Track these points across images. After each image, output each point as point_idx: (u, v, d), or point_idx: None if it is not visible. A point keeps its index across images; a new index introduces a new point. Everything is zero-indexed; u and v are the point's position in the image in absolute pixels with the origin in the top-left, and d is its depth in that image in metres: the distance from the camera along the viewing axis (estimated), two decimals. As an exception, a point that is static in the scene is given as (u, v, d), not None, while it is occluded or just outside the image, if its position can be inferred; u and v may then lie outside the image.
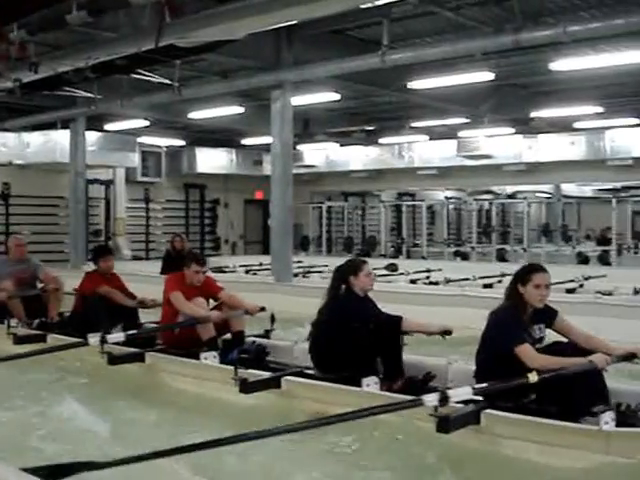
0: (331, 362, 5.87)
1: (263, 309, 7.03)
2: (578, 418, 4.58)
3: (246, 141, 21.75)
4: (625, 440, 4.33)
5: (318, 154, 22.67)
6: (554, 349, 4.98)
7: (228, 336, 7.08)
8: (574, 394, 4.68)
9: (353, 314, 5.87)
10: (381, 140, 21.53)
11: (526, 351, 4.82)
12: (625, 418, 4.60)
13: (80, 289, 8.38)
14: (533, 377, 4.50)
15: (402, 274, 14.23)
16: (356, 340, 5.71)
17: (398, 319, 5.85)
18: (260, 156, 22.78)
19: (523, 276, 5.13)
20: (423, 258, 19.90)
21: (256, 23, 8.90)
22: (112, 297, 8.14)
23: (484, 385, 4.56)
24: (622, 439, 4.33)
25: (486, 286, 12.39)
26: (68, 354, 7.12)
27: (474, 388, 4.49)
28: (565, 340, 5.16)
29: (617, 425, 4.41)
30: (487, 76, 12.93)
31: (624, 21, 9.63)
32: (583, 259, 19.06)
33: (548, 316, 5.18)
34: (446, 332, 5.80)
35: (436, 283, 13.00)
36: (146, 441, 5.06)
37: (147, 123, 17.86)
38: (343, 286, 6.04)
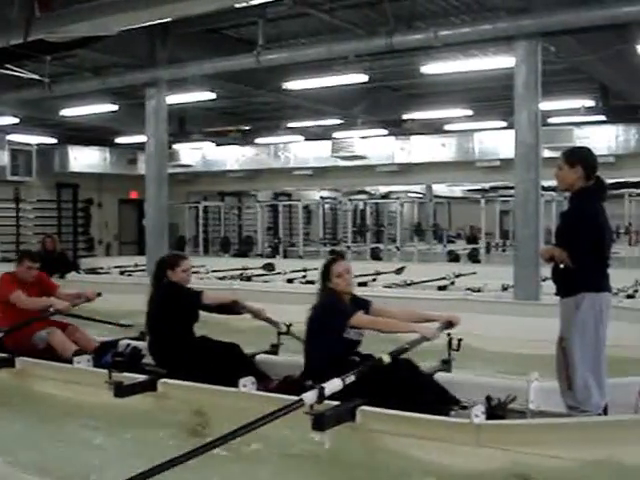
0: (162, 355, 6.05)
1: (100, 294, 7.20)
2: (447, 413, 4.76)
3: (120, 140, 21.27)
4: (495, 432, 4.48)
5: (194, 153, 22.43)
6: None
7: (104, 339, 6.98)
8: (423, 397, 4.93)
9: (172, 302, 6.05)
10: (257, 140, 21.51)
11: (361, 317, 5.19)
12: (495, 411, 4.75)
13: None
14: (386, 358, 4.75)
15: (279, 273, 14.28)
16: (177, 331, 5.98)
17: (198, 293, 6.06)
18: (135, 155, 22.34)
19: (325, 272, 5.44)
20: (300, 257, 20.02)
21: (129, 19, 8.73)
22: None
23: (350, 374, 4.63)
24: (492, 431, 4.48)
25: (361, 284, 12.56)
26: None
27: (342, 379, 4.57)
28: None
29: (488, 418, 4.56)
30: (361, 78, 13.12)
31: (492, 27, 9.99)
32: (454, 257, 19.63)
33: (363, 306, 5.47)
34: (234, 302, 6.16)
35: (312, 282, 13.05)
36: (18, 450, 4.91)
37: (16, 120, 17.24)
38: (166, 279, 6.19)
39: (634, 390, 4.20)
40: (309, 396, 4.41)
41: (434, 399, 5.00)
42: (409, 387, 4.94)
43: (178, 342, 5.99)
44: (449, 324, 5.24)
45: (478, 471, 4.35)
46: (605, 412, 4.69)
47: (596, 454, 4.14)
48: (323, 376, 4.69)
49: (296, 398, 4.50)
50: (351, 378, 4.59)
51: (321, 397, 4.43)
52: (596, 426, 4.38)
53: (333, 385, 4.53)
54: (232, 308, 6.28)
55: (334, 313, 5.28)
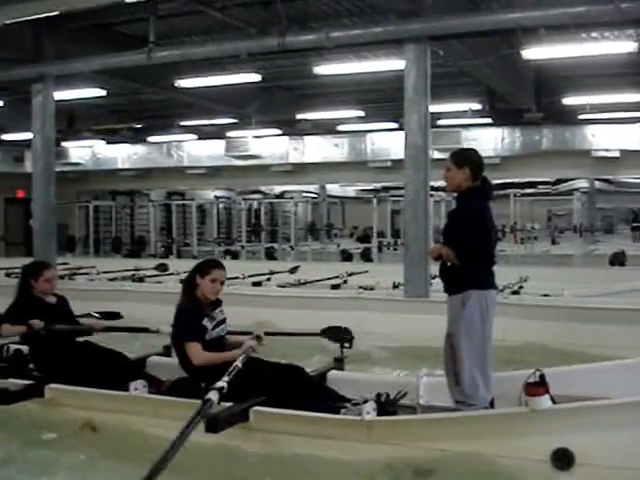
0: (40, 361, 5.90)
1: None
2: (339, 410, 4.82)
3: (6, 136, 20.59)
4: (385, 428, 4.57)
5: (84, 151, 21.92)
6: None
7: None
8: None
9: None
10: (150, 138, 21.22)
11: (192, 348, 5.16)
12: (386, 407, 4.83)
13: None
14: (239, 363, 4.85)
15: (172, 274, 14.06)
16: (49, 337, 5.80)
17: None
18: (21, 152, 21.64)
19: (203, 269, 5.41)
20: (194, 257, 19.74)
21: (14, 12, 8.48)
22: None
23: (225, 376, 4.68)
24: (383, 427, 4.56)
25: (255, 284, 12.56)
26: None
27: (224, 380, 4.63)
28: None
29: (379, 414, 4.63)
30: (254, 77, 13.12)
31: (382, 29, 10.15)
32: (347, 256, 19.82)
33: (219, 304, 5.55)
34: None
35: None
36: None
37: None
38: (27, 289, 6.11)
39: (519, 384, 4.33)
40: (213, 396, 4.40)
41: (326, 398, 5.08)
42: (300, 390, 5.01)
43: (53, 348, 5.80)
44: (258, 338, 5.36)
45: (370, 467, 4.41)
46: (491, 406, 4.83)
47: (483, 447, 4.26)
48: (202, 378, 4.82)
49: (194, 401, 4.52)
50: (225, 379, 4.64)
51: (221, 397, 4.45)
52: (483, 420, 4.51)
53: (222, 385, 4.56)
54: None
55: (181, 326, 5.29)
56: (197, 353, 5.15)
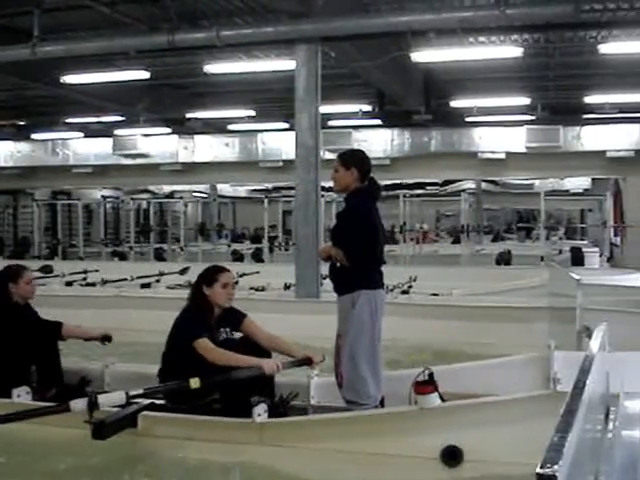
0: None
1: None
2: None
3: None
4: (277, 430, 4.55)
5: (-37, 149, 21.04)
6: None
7: None
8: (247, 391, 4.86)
9: (6, 324, 5.54)
10: (34, 136, 20.55)
11: (203, 344, 4.85)
12: (277, 409, 4.81)
13: None
14: (195, 383, 4.53)
15: (57, 276, 13.68)
16: (8, 349, 5.40)
17: (57, 325, 5.67)
18: None
19: (209, 277, 5.15)
20: (80, 259, 19.29)
21: None
22: None
23: (139, 390, 4.50)
24: (274, 429, 4.54)
25: (144, 286, 12.34)
26: None
27: (127, 394, 4.42)
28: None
29: (270, 416, 4.60)
30: (143, 75, 12.89)
31: (273, 29, 10.15)
32: (238, 257, 19.73)
33: (235, 319, 5.24)
34: (105, 338, 5.71)
35: (93, 284, 12.69)
36: None
37: None
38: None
39: (408, 382, 4.39)
40: (78, 404, 4.24)
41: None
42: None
43: None
44: (308, 360, 5.06)
45: (263, 470, 4.39)
46: (382, 405, 4.88)
47: (374, 446, 4.30)
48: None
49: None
50: (138, 391, 4.47)
51: (92, 407, 4.25)
52: (373, 419, 4.55)
53: (111, 398, 4.38)
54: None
55: (185, 329, 5.00)
56: (210, 349, 4.81)
